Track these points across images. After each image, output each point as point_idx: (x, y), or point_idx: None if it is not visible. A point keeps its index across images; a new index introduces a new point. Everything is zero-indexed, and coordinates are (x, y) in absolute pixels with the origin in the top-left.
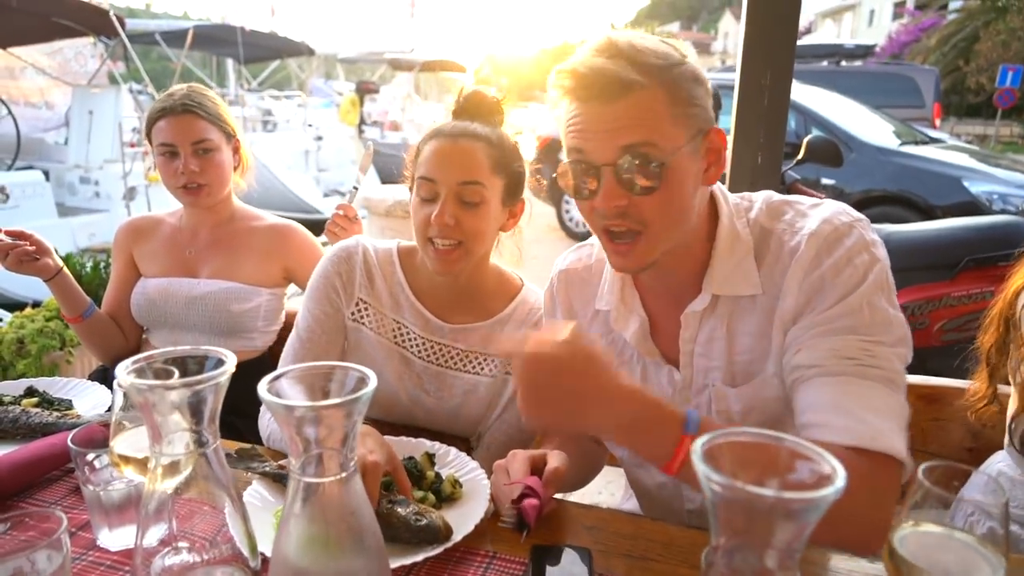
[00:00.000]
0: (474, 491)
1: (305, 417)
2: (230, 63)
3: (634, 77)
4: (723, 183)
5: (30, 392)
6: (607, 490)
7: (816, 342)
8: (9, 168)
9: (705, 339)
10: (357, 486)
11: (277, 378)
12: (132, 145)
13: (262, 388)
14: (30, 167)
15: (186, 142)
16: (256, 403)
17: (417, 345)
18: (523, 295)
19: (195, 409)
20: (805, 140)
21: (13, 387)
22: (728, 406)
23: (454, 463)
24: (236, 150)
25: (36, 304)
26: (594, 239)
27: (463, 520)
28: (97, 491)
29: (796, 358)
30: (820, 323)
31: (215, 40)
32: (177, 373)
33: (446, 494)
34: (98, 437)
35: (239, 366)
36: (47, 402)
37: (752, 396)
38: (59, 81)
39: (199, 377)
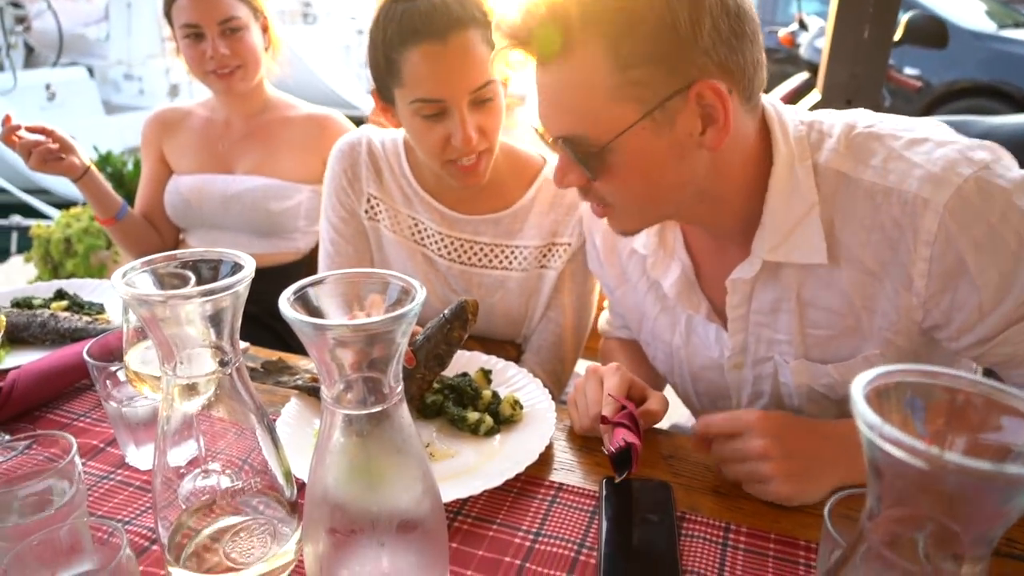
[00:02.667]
0: (536, 413)
1: (340, 339)
2: None
3: (571, 34)
4: (812, 75)
5: (60, 295)
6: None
7: (1005, 336)
8: (54, 65)
9: (768, 307)
10: (403, 418)
11: (302, 290)
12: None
13: (284, 303)
14: (74, 64)
15: (212, 21)
16: None
17: (436, 242)
18: (546, 175)
19: (211, 323)
20: (904, 18)
21: (44, 289)
22: (813, 379)
23: (512, 380)
24: (265, 29)
25: (84, 203)
26: None
27: (524, 447)
28: (120, 407)
29: (995, 352)
30: (1001, 324)
31: None
32: (193, 280)
33: (505, 416)
34: (118, 347)
35: (280, 268)
36: (77, 305)
37: (848, 373)
38: None
39: (212, 286)
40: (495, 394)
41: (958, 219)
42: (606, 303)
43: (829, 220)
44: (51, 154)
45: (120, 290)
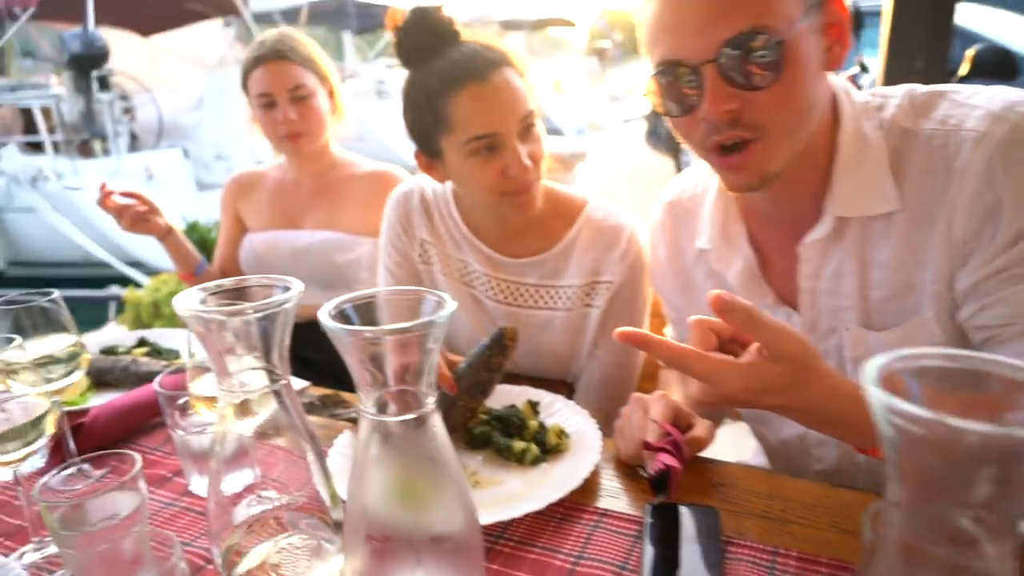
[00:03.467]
0: (582, 442)
1: (372, 344)
2: (347, 36)
3: None
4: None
5: (141, 343)
6: (732, 447)
7: (1004, 294)
8: (154, 148)
9: (832, 273)
10: (436, 427)
11: (342, 305)
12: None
13: (323, 313)
14: (171, 147)
15: (282, 90)
16: None
17: (484, 284)
18: (587, 214)
19: (259, 340)
20: (970, 53)
21: (128, 338)
22: (869, 352)
23: (560, 413)
24: (331, 94)
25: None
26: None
27: (570, 473)
28: (184, 436)
29: (981, 317)
30: (1004, 266)
31: (328, 13)
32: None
33: (551, 445)
34: (186, 382)
35: None
36: (156, 352)
37: (903, 341)
38: (193, 64)
39: (260, 303)
40: (541, 424)
41: (1006, 155)
42: (666, 330)
43: (893, 173)
44: (140, 216)
45: (179, 308)
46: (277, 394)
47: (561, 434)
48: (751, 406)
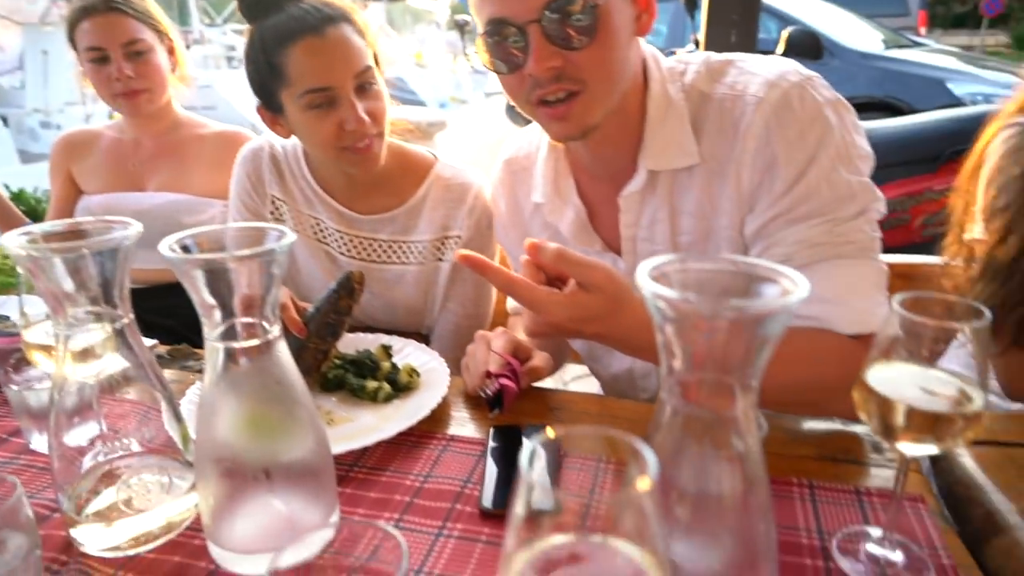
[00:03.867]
0: (432, 379)
1: (213, 271)
2: None
3: None
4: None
5: None
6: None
7: (781, 235)
8: None
9: (648, 221)
10: (282, 354)
11: (185, 239)
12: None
13: (164, 246)
14: None
15: (116, 44)
16: None
17: (336, 240)
18: (436, 172)
19: (97, 279)
20: (784, 34)
21: None
22: None
23: (412, 355)
24: (171, 51)
25: None
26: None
27: (420, 406)
28: (20, 392)
29: (765, 257)
30: (780, 212)
31: None
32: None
33: (403, 383)
34: (20, 342)
35: None
36: None
37: None
38: (8, 21)
39: (91, 240)
40: (394, 365)
41: (779, 117)
42: None
43: (694, 131)
44: None
45: (9, 245)
46: (120, 333)
47: (412, 372)
48: (575, 335)
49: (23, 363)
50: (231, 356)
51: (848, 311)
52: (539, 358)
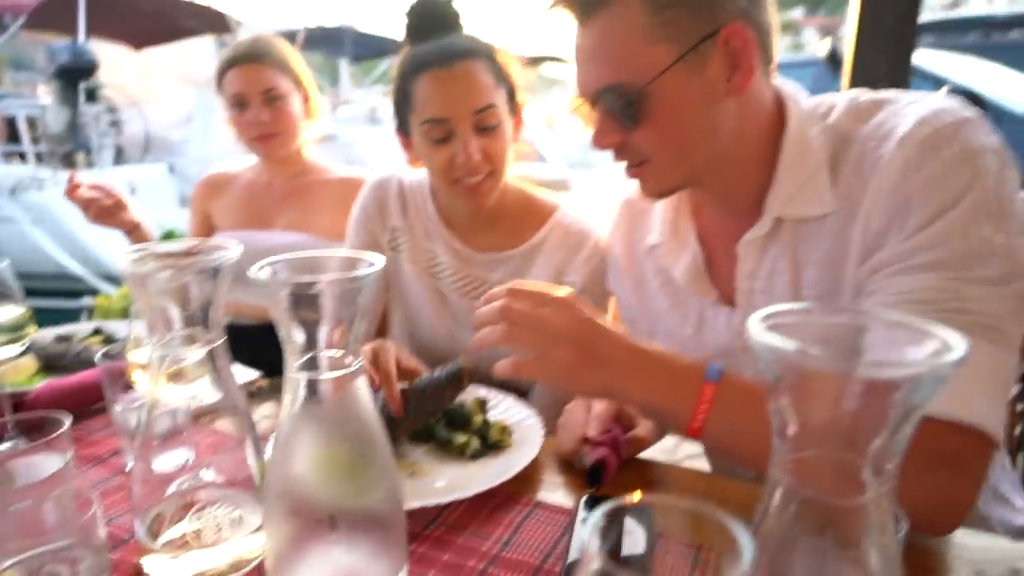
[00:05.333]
0: (525, 439)
1: (298, 296)
2: (343, 64)
3: None
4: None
5: (96, 331)
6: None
7: (886, 284)
8: (139, 163)
9: (767, 273)
10: (361, 390)
11: (276, 263)
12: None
13: (254, 268)
14: (157, 161)
15: (255, 91)
16: None
17: (449, 277)
18: (557, 218)
19: (194, 298)
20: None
21: (83, 327)
22: None
23: (508, 411)
24: (306, 99)
25: None
26: None
27: (507, 466)
28: (123, 411)
29: (865, 305)
30: (897, 257)
31: (326, 39)
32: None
33: (493, 440)
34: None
35: None
36: (110, 341)
37: None
38: (184, 80)
39: (191, 259)
40: (486, 420)
41: (923, 154)
42: None
43: (831, 177)
44: (106, 209)
45: (121, 261)
46: (211, 358)
47: (504, 430)
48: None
49: (131, 385)
50: (309, 388)
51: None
52: (643, 427)
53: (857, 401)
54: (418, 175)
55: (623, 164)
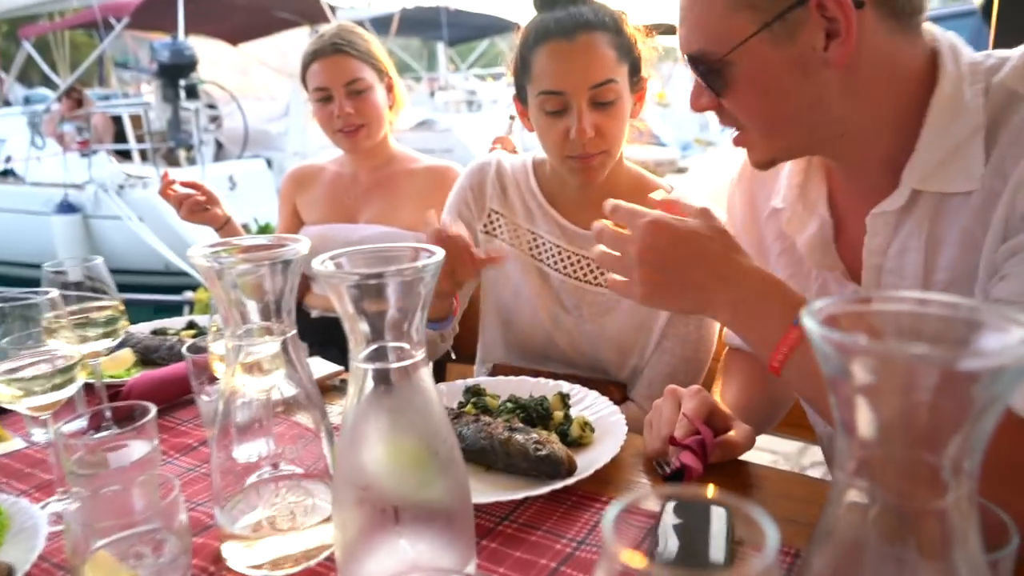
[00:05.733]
0: (607, 435)
1: (360, 287)
2: (440, 47)
3: None
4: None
5: (190, 325)
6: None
7: (1019, 269)
8: (238, 158)
9: (897, 250)
10: (425, 381)
11: (338, 256)
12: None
13: (317, 261)
14: (256, 156)
15: (339, 83)
16: None
17: (553, 255)
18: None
19: (267, 290)
20: None
21: (178, 321)
22: None
23: (591, 407)
24: (390, 88)
25: None
26: None
27: (588, 463)
28: (209, 402)
29: (995, 289)
30: None
31: (421, 23)
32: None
33: (573, 437)
34: None
35: None
36: (202, 334)
37: None
38: (281, 73)
39: (257, 255)
40: (567, 416)
41: None
42: None
43: (987, 145)
44: (198, 205)
45: (193, 255)
46: (284, 349)
47: (585, 427)
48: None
49: (215, 377)
50: (374, 378)
51: None
52: (739, 431)
53: (932, 394)
54: (519, 157)
55: (731, 131)
